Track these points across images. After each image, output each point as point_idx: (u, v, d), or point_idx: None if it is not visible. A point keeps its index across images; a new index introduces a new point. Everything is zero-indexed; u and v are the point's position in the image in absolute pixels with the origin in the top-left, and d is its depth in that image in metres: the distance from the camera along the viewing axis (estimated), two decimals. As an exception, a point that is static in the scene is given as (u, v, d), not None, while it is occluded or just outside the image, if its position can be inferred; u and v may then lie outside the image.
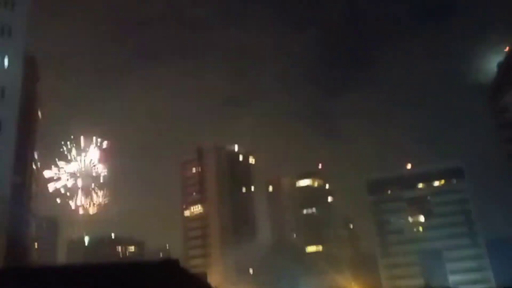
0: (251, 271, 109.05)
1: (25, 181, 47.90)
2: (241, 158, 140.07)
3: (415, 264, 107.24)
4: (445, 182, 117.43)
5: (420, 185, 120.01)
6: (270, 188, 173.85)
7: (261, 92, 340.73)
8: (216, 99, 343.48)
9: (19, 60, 42.93)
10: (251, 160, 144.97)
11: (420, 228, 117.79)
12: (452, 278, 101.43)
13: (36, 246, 77.78)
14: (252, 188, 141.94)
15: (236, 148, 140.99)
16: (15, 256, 37.15)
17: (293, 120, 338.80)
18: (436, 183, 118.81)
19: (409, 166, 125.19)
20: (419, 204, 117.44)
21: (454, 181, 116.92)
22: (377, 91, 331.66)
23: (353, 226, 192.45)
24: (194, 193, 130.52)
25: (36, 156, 62.64)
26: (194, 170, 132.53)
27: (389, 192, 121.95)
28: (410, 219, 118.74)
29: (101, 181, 68.20)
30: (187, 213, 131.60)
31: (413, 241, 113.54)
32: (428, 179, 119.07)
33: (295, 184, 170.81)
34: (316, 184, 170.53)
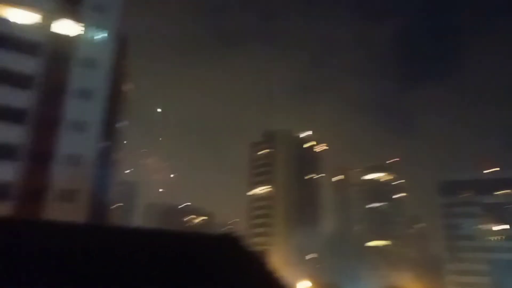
0: (310, 256, 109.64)
1: (110, 147, 52.38)
2: (309, 145, 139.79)
3: (485, 274, 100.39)
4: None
5: (499, 192, 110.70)
6: (337, 178, 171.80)
7: (336, 81, 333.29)
8: (291, 86, 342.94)
9: (112, 35, 46.45)
10: (320, 148, 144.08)
11: (495, 237, 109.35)
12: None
13: (115, 207, 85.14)
14: (319, 176, 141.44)
15: (305, 134, 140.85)
16: (97, 214, 41.27)
17: (367, 112, 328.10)
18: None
19: (488, 170, 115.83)
20: (495, 212, 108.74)
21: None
22: (461, 86, 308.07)
23: (420, 226, 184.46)
24: (261, 174, 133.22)
25: (122, 124, 67.92)
26: (263, 152, 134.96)
27: (463, 195, 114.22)
28: (484, 226, 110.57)
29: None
30: (253, 192, 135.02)
31: (486, 249, 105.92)
32: (509, 186, 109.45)
33: (363, 176, 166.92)
34: (385, 179, 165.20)
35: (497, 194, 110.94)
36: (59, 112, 40.13)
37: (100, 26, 44.74)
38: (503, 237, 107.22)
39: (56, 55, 41.37)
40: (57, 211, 34.86)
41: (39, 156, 37.88)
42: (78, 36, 43.41)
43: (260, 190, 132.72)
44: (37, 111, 38.92)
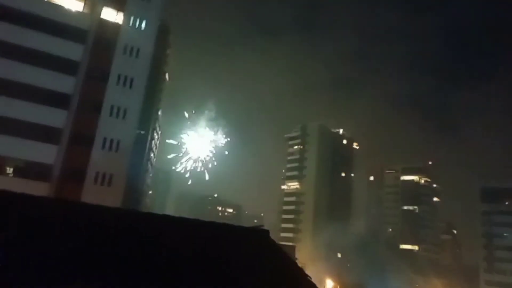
0: (339, 255, 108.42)
1: (147, 135, 53.66)
2: (345, 142, 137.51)
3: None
4: None
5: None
6: (372, 177, 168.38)
7: (377, 75, 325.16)
8: (329, 78, 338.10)
9: (155, 24, 47.34)
10: (355, 146, 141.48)
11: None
12: None
13: (150, 194, 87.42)
14: (353, 174, 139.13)
15: (341, 131, 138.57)
16: (132, 199, 42.49)
17: (409, 110, 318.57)
18: None
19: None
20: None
21: None
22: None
23: (457, 232, 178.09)
24: (293, 169, 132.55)
25: (160, 113, 69.46)
26: (296, 147, 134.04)
27: (506, 203, 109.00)
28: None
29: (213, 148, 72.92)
30: (285, 187, 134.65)
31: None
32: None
33: (399, 177, 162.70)
34: (422, 181, 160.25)
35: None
36: (101, 98, 41.40)
37: (143, 15, 45.61)
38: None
39: (101, 42, 42.61)
40: (93, 194, 36.15)
41: (80, 140, 39.30)
42: (123, 24, 44.44)
43: (292, 185, 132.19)
44: (80, 96, 40.31)
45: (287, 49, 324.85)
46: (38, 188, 33.33)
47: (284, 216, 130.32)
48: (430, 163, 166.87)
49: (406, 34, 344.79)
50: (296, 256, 76.01)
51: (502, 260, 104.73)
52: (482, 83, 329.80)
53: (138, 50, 44.13)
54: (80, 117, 39.77)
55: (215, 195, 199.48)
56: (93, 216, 13.05)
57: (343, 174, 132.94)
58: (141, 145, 47.82)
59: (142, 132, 49.29)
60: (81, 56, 40.89)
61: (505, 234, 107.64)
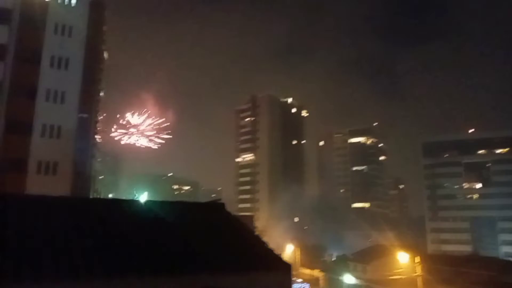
0: (296, 219, 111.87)
1: (91, 117, 51.25)
2: (294, 110, 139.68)
3: (466, 231, 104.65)
4: (509, 150, 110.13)
5: (481, 152, 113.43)
6: (321, 143, 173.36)
7: (323, 40, 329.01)
8: (275, 46, 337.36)
9: (86, 0, 44.44)
10: (304, 113, 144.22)
11: (475, 196, 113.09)
12: (504, 249, 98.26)
13: (100, 179, 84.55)
14: (303, 141, 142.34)
15: (289, 100, 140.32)
16: (81, 186, 40.83)
17: (353, 74, 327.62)
18: (499, 151, 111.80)
19: (471, 130, 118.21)
20: (477, 171, 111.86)
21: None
22: (450, 43, 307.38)
23: (404, 187, 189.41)
24: (246, 141, 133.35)
25: (101, 94, 66.33)
26: (248, 119, 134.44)
27: (445, 156, 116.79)
28: (466, 185, 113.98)
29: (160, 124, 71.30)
30: (239, 159, 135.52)
31: (466, 208, 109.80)
32: (490, 146, 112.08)
33: (347, 140, 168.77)
34: (369, 142, 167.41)
35: (479, 154, 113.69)
36: (35, 82, 38.71)
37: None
38: (483, 196, 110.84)
39: (29, 22, 39.45)
40: (38, 184, 34.30)
41: (17, 129, 36.81)
42: (50, 1, 41.31)
43: (247, 156, 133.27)
44: (11, 82, 37.45)
45: (231, 17, 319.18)
46: (-25, 184, 31.16)
47: (241, 188, 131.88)
48: (375, 124, 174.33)
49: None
50: (255, 225, 77.60)
51: (445, 208, 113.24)
52: (426, 41, 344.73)
53: (70, 28, 41.39)
54: (14, 104, 37.07)
55: (170, 174, 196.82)
56: (38, 208, 12.38)
57: (294, 142, 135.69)
58: (85, 129, 45.61)
59: (85, 115, 46.93)
60: (7, 38, 37.72)
61: (445, 184, 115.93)
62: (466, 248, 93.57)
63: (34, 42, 39.24)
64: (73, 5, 42.41)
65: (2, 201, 12.06)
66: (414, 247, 63.38)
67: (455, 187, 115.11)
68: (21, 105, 37.49)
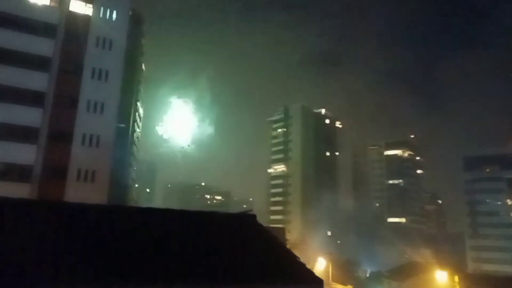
0: (329, 233, 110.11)
1: (128, 127, 52.85)
2: (327, 121, 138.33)
3: (509, 250, 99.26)
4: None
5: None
6: (356, 154, 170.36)
7: (361, 50, 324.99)
8: (312, 56, 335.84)
9: (126, 14, 46.18)
10: (338, 124, 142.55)
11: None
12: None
13: (136, 187, 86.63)
14: (337, 153, 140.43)
15: (323, 111, 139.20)
16: (117, 194, 42.01)
17: (390, 84, 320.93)
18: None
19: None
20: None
21: None
22: (494, 51, 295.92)
23: (441, 202, 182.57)
24: (278, 152, 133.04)
25: (139, 105, 68.37)
26: (280, 130, 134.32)
27: (487, 170, 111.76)
28: (509, 202, 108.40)
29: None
30: (271, 170, 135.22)
31: (509, 225, 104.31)
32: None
33: (383, 152, 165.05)
34: (405, 155, 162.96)
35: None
36: (77, 93, 40.44)
37: (113, 5, 44.42)
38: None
39: (72, 36, 41.42)
40: (77, 191, 35.58)
41: (59, 138, 38.46)
42: (93, 16, 43.22)
43: (279, 167, 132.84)
44: (55, 93, 39.28)
45: (265, 28, 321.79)
46: (20, 190, 32.67)
47: (273, 199, 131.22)
48: (412, 136, 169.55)
49: (390, 6, 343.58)
50: (287, 237, 76.91)
51: (485, 226, 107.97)
52: (463, 52, 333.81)
53: (111, 42, 43.08)
54: (57, 114, 38.84)
55: (203, 184, 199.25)
56: (77, 215, 12.81)
57: (327, 154, 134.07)
58: (122, 138, 47.13)
59: (122, 125, 48.51)
60: (52, 51, 39.70)
61: (487, 200, 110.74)
62: (510, 268, 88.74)
63: (77, 55, 41.10)
64: (113, 19, 44.16)
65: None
66: (453, 266, 60.79)
67: (497, 203, 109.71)
68: (63, 115, 39.18)
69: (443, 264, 56.94)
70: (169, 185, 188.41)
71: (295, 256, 13.92)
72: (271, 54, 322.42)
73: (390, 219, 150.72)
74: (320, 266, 71.22)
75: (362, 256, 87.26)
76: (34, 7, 39.97)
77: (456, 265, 75.82)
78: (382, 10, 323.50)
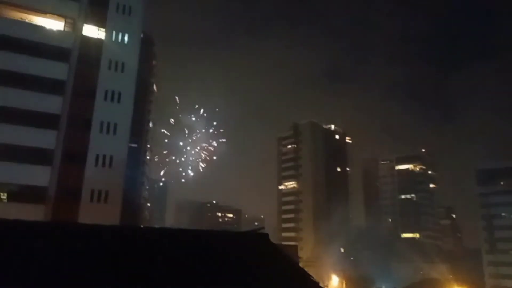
0: (342, 250, 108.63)
1: (140, 146, 53.59)
2: (337, 137, 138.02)
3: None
4: None
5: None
6: (367, 169, 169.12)
7: (370, 64, 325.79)
8: (320, 70, 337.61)
9: (137, 37, 47.29)
10: (348, 140, 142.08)
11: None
12: None
13: (148, 206, 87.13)
14: (348, 168, 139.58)
15: (332, 127, 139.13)
16: (130, 213, 42.34)
17: (399, 98, 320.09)
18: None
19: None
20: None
21: None
22: (508, 61, 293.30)
23: (456, 216, 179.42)
24: (288, 168, 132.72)
25: (150, 125, 69.40)
26: (290, 146, 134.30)
27: (501, 183, 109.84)
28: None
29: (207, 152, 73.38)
30: (281, 187, 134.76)
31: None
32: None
33: (394, 167, 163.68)
34: (417, 169, 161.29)
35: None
36: (90, 115, 41.26)
37: (125, 29, 45.54)
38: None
39: (85, 59, 42.47)
40: (90, 212, 35.96)
41: (73, 159, 39.11)
42: (105, 40, 44.35)
43: (289, 184, 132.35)
44: (69, 115, 40.12)
45: (272, 45, 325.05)
46: (34, 211, 33.13)
47: (284, 216, 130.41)
48: (423, 150, 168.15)
49: (400, 18, 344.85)
50: (299, 255, 76.13)
51: (503, 240, 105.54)
52: (475, 64, 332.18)
53: (123, 64, 44.05)
54: (70, 136, 39.59)
55: (214, 202, 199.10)
56: (91, 237, 13.04)
57: (338, 169, 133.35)
58: (135, 158, 47.73)
59: (134, 145, 49.22)
60: (66, 75, 40.71)
61: (503, 214, 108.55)
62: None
63: (90, 78, 42.07)
64: (125, 42, 45.23)
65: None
66: (471, 282, 59.45)
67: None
68: (77, 137, 39.93)
69: (460, 281, 55.75)
70: (181, 204, 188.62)
71: (308, 275, 13.91)
72: (279, 71, 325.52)
73: (404, 235, 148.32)
74: (334, 283, 70.22)
75: (376, 273, 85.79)
76: (49, 32, 41.20)
77: (474, 281, 74.15)
78: (390, 24, 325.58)
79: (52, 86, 39.38)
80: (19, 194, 36.62)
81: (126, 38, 45.35)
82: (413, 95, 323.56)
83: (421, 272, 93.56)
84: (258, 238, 16.75)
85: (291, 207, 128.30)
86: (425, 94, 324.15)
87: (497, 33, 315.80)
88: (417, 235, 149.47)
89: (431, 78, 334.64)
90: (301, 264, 17.58)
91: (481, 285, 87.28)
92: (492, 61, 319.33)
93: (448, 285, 50.12)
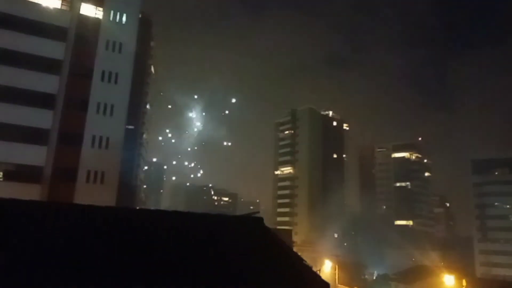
0: (336, 235, 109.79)
1: (137, 129, 53.43)
2: (335, 123, 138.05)
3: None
4: None
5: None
6: (363, 156, 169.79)
7: (369, 52, 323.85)
8: (319, 56, 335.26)
9: (136, 18, 46.68)
10: (345, 127, 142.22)
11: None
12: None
13: (144, 188, 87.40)
14: (344, 155, 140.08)
15: (330, 113, 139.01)
16: (126, 195, 42.47)
17: (399, 86, 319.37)
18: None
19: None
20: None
21: None
22: (505, 49, 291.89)
23: (450, 205, 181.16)
24: (285, 154, 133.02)
25: (148, 107, 69.08)
26: (287, 132, 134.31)
27: (496, 173, 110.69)
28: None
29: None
30: (278, 172, 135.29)
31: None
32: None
33: (390, 155, 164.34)
34: (413, 157, 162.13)
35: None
36: (87, 95, 40.98)
37: (123, 9, 44.93)
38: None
39: (83, 39, 41.99)
40: (86, 193, 36.05)
41: (69, 139, 38.99)
42: (103, 19, 43.78)
43: (286, 169, 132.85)
44: (65, 95, 39.84)
45: (272, 28, 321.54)
46: (30, 191, 33.17)
47: (280, 201, 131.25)
48: (420, 138, 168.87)
49: (402, 4, 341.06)
50: (294, 239, 76.90)
51: (495, 229, 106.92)
52: (472, 53, 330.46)
53: (120, 45, 43.59)
54: (67, 116, 39.39)
55: (210, 185, 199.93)
56: (85, 217, 13.10)
57: (334, 156, 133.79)
58: (131, 140, 47.64)
59: (131, 127, 49.07)
60: (63, 54, 40.28)
61: (496, 203, 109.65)
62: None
63: (87, 58, 41.66)
64: (123, 22, 44.67)
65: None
66: (461, 269, 60.33)
67: (507, 206, 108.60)
68: (73, 117, 39.72)
69: (451, 268, 56.61)
70: (177, 186, 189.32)
71: (301, 259, 14.07)
72: (278, 56, 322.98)
73: (398, 222, 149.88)
74: (326, 268, 71.16)
75: (369, 259, 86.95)
76: (46, 10, 40.60)
77: (465, 269, 75.17)
78: (391, 11, 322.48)
79: (48, 65, 39.00)
80: (15, 173, 36.61)
81: (124, 18, 44.79)
82: (410, 83, 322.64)
83: (413, 259, 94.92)
84: (252, 222, 16.89)
85: (287, 192, 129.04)
86: (422, 83, 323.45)
87: (499, 22, 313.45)
88: (411, 223, 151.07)
89: (429, 66, 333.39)
90: (295, 249, 17.76)
91: (471, 273, 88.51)
92: (490, 50, 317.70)
93: (439, 272, 50.90)
